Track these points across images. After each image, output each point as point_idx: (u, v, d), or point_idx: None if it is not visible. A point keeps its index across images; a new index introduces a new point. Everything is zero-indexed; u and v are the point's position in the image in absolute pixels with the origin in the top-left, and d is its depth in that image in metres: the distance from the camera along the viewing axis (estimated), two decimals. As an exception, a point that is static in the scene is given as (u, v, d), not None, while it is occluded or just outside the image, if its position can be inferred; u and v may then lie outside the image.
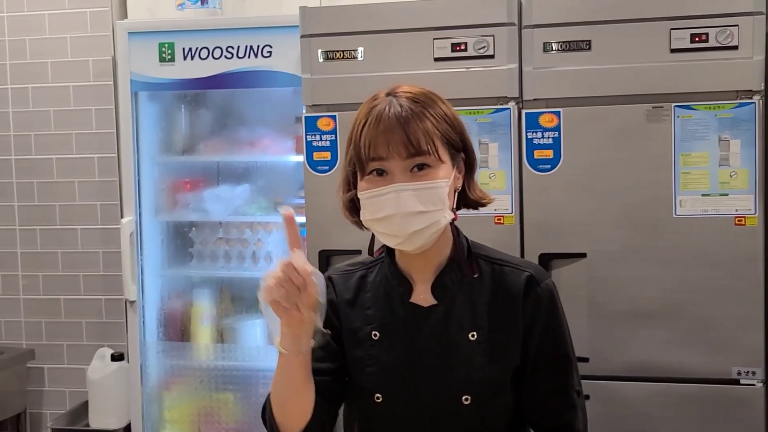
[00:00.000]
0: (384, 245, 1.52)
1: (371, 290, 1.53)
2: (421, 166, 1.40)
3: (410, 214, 1.38)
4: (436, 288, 1.49)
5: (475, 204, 1.52)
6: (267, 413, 1.48)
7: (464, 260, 1.49)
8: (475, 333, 1.46)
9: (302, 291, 1.30)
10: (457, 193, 1.48)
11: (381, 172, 1.41)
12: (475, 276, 1.49)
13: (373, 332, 1.49)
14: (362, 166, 1.42)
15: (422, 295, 1.49)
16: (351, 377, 1.52)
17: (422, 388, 1.46)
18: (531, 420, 1.52)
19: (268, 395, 1.49)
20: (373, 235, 1.51)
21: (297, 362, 1.39)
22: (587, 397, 1.63)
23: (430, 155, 1.39)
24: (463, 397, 1.44)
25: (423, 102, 1.42)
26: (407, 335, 1.48)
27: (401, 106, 1.40)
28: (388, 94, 1.45)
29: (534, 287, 1.48)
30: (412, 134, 1.38)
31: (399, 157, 1.39)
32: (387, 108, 1.41)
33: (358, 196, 1.44)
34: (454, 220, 1.47)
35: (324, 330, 1.37)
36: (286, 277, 1.29)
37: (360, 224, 1.50)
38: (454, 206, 1.47)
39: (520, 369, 1.48)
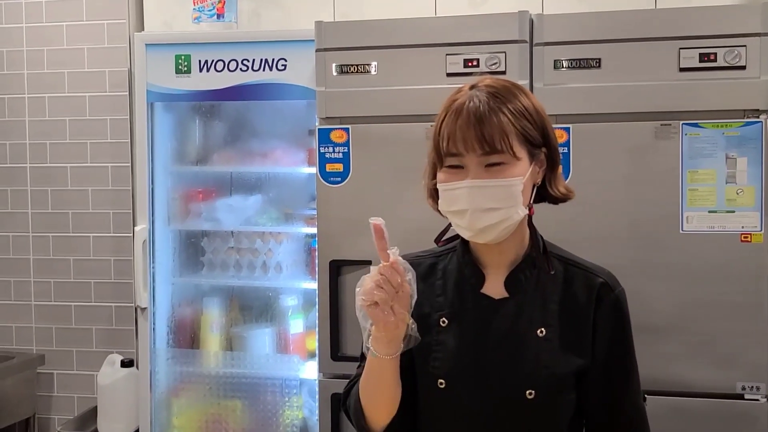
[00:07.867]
0: (451, 237, 1.55)
1: (442, 278, 1.53)
2: (496, 163, 1.40)
3: (481, 210, 1.40)
4: (510, 282, 1.49)
5: (557, 200, 1.52)
6: (352, 409, 1.54)
7: (540, 257, 1.50)
8: (543, 329, 1.46)
9: (398, 292, 1.34)
10: (536, 188, 1.48)
11: (457, 166, 1.42)
12: (551, 273, 1.49)
13: (442, 319, 1.50)
14: (440, 158, 1.44)
15: (494, 287, 1.50)
16: (416, 363, 1.51)
17: (487, 378, 1.45)
18: (600, 424, 1.52)
19: (350, 389, 1.56)
20: (446, 226, 1.54)
21: (389, 364, 1.42)
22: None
23: (504, 153, 1.39)
24: (528, 392, 1.43)
25: (503, 96, 1.42)
26: (476, 325, 1.48)
27: (479, 101, 1.40)
28: (471, 87, 1.45)
29: (608, 294, 1.49)
30: (487, 132, 1.38)
31: (474, 154, 1.40)
32: (467, 102, 1.41)
33: (437, 186, 1.46)
34: (530, 215, 1.48)
35: (417, 335, 1.39)
36: (385, 279, 1.33)
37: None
38: (531, 201, 1.48)
39: (586, 371, 1.47)
